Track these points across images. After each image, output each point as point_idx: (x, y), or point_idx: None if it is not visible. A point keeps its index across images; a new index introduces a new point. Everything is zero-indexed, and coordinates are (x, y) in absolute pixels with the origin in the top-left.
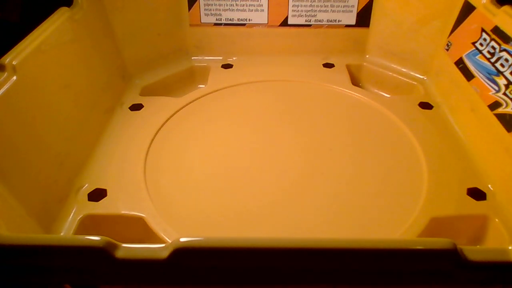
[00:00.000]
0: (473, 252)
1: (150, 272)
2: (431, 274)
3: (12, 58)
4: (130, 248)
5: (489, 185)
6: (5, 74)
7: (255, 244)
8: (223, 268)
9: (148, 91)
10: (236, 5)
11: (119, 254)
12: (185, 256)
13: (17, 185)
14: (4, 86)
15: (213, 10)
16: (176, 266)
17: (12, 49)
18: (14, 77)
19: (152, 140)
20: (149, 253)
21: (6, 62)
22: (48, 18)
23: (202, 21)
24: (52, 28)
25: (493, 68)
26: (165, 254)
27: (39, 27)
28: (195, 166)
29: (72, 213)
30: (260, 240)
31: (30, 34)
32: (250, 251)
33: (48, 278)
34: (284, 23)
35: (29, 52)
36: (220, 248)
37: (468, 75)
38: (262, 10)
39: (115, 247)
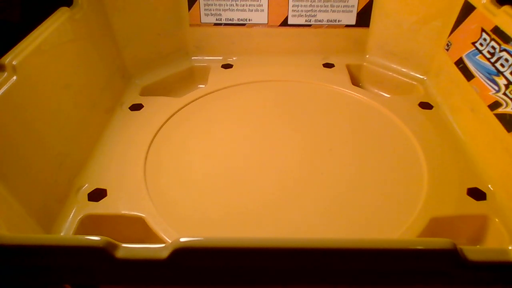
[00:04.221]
0: (473, 252)
1: (150, 272)
2: (431, 274)
3: (12, 58)
4: (130, 248)
5: (489, 185)
6: (5, 74)
7: (255, 244)
8: (223, 268)
9: (148, 91)
10: (236, 5)
11: (119, 254)
12: (185, 256)
13: (17, 185)
14: (4, 86)
15: (213, 10)
16: (176, 266)
17: (12, 49)
18: (14, 77)
19: (152, 140)
20: (149, 253)
21: (6, 62)
22: (48, 18)
23: (202, 21)
24: (52, 28)
25: (493, 68)
26: (165, 254)
27: (39, 27)
28: (195, 166)
29: (72, 213)
30: (260, 240)
31: (30, 34)
32: (250, 251)
33: (48, 278)
34: (284, 23)
35: (29, 52)
36: (220, 248)
37: (468, 75)
38: (262, 10)
39: (115, 247)
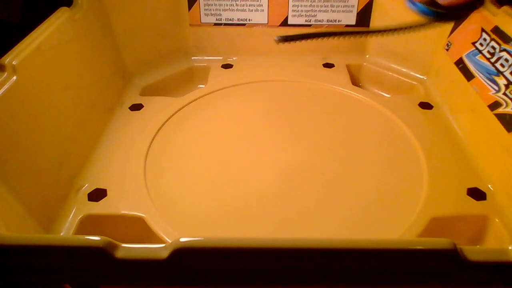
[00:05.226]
0: (473, 252)
1: (150, 272)
2: (431, 274)
3: (12, 58)
4: (130, 248)
5: (489, 185)
6: (5, 74)
7: (255, 244)
8: (223, 268)
9: (148, 91)
10: (236, 5)
11: (119, 254)
12: (185, 256)
13: (17, 185)
14: (4, 86)
15: (213, 10)
16: (176, 266)
17: (12, 49)
18: (14, 77)
19: (152, 140)
20: (149, 253)
21: (6, 62)
22: (48, 18)
23: (202, 21)
24: (52, 28)
25: (493, 68)
26: (165, 254)
27: (39, 27)
28: (195, 166)
29: (72, 213)
30: (260, 240)
31: (30, 34)
32: (250, 251)
33: (48, 278)
34: (284, 23)
35: (29, 52)
36: (219, 248)
37: (468, 75)
38: (262, 10)
39: (115, 247)
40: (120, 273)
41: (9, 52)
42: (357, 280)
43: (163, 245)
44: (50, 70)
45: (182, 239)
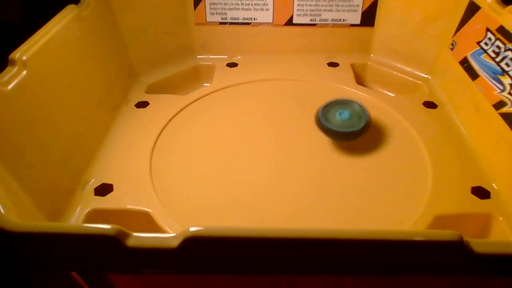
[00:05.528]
0: (479, 244)
1: (160, 261)
2: (437, 265)
3: (22, 53)
4: (140, 237)
5: (493, 184)
6: (16, 68)
7: (264, 233)
8: (233, 257)
9: (154, 89)
10: (242, 4)
11: (130, 242)
12: (195, 245)
13: (26, 179)
14: (15, 80)
15: (219, 9)
16: (186, 255)
17: (22, 45)
18: (24, 72)
19: (158, 136)
20: (159, 242)
21: (16, 57)
22: (56, 15)
23: (207, 20)
24: (60, 25)
25: (498, 68)
26: (175, 243)
27: (47, 24)
28: (200, 162)
29: (79, 208)
30: (268, 230)
31: (39, 31)
32: (259, 241)
33: (59, 265)
34: (289, 22)
35: (38, 48)
36: (229, 237)
37: (473, 75)
38: (267, 9)
39: (126, 235)
40: (130, 262)
41: (18, 48)
42: (364, 271)
43: (173, 234)
44: (58, 66)
45: (192, 228)
